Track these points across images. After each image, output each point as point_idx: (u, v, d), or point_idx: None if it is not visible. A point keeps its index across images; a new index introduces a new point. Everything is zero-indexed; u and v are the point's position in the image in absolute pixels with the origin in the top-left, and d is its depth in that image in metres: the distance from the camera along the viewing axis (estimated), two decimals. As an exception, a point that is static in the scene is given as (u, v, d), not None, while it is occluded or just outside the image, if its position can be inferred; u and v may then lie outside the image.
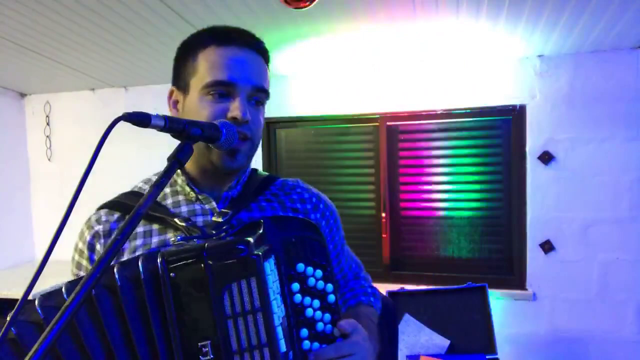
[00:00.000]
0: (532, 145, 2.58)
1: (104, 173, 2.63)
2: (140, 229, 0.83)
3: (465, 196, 2.75)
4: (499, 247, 2.74)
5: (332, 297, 0.77)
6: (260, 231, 0.71)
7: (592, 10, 1.91)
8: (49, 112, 3.35)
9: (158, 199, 0.86)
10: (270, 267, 0.68)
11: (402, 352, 2.22)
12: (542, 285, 2.58)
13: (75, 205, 0.59)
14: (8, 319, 0.57)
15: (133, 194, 0.90)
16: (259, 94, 0.85)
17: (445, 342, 2.26)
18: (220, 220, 0.82)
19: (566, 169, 2.53)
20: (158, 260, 0.66)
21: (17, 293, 2.55)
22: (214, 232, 0.78)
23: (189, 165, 0.88)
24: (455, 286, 2.40)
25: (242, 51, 0.83)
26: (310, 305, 0.74)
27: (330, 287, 0.77)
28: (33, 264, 3.31)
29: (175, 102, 0.88)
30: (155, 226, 0.83)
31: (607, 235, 2.47)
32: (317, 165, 3.01)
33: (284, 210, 0.91)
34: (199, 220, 0.84)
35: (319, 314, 0.75)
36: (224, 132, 0.74)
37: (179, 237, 0.76)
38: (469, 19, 2.02)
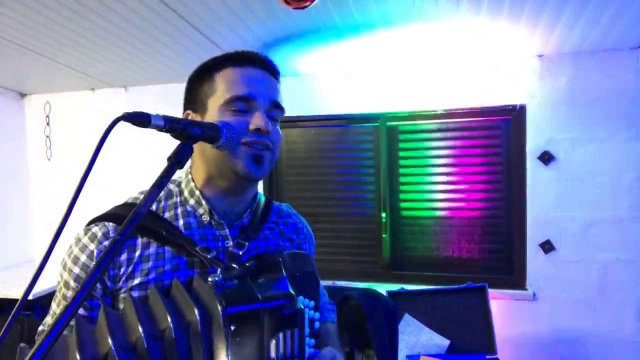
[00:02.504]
0: (532, 145, 2.58)
1: (103, 173, 2.64)
2: (152, 249, 0.82)
3: (465, 196, 2.75)
4: (499, 247, 2.74)
5: (317, 324, 0.85)
6: (283, 274, 0.79)
7: (592, 10, 1.91)
8: (49, 112, 3.35)
9: (169, 217, 0.86)
10: (307, 319, 0.79)
11: (402, 352, 2.22)
12: (542, 285, 2.58)
13: (75, 206, 0.59)
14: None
15: (134, 207, 0.88)
16: (275, 110, 0.88)
17: (445, 342, 2.26)
18: (239, 253, 0.85)
19: (566, 169, 2.53)
20: (219, 309, 0.69)
21: (17, 293, 2.55)
22: (235, 266, 0.80)
23: (205, 187, 0.88)
24: (455, 286, 2.40)
25: (257, 70, 0.88)
26: None
27: (317, 315, 0.85)
28: (32, 264, 3.31)
29: None
30: (168, 248, 0.82)
31: (607, 235, 2.47)
32: (317, 165, 3.01)
33: (283, 240, 0.97)
34: (210, 245, 0.85)
35: (307, 339, 0.81)
36: (224, 132, 0.74)
37: (216, 279, 0.75)
38: (468, 19, 2.02)
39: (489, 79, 2.62)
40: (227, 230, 0.87)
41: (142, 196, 0.88)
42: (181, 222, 0.85)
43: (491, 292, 2.41)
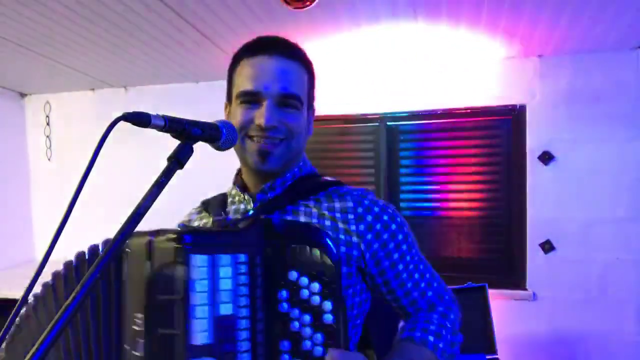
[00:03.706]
0: (532, 145, 2.57)
1: (103, 173, 2.63)
2: (204, 221, 0.95)
3: (465, 196, 2.75)
4: (499, 247, 2.74)
5: (328, 317, 0.68)
6: (241, 226, 0.75)
7: (592, 10, 1.91)
8: (49, 112, 3.35)
9: (230, 198, 0.96)
10: (205, 261, 0.66)
11: (402, 352, 2.21)
12: (542, 285, 2.58)
13: (75, 205, 0.59)
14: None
15: (220, 194, 1.00)
16: (290, 100, 0.85)
17: (445, 342, 2.26)
18: (238, 217, 0.86)
19: (566, 169, 2.53)
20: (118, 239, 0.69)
21: (17, 293, 2.55)
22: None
23: (243, 171, 0.94)
24: (455, 286, 2.40)
25: (270, 59, 0.86)
26: (298, 319, 0.69)
27: (328, 305, 0.68)
28: (33, 264, 3.31)
29: (227, 114, 0.94)
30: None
31: (607, 235, 2.47)
32: (317, 165, 2.95)
33: (321, 218, 0.85)
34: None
35: (308, 331, 0.68)
36: (224, 132, 0.73)
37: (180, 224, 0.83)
38: (469, 19, 2.02)
39: (489, 79, 2.62)
40: (252, 204, 0.90)
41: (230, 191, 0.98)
42: (229, 200, 0.95)
43: (491, 292, 2.41)
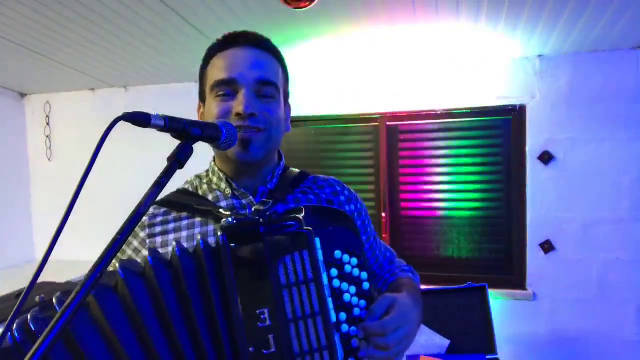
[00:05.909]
0: (532, 145, 2.57)
1: (104, 173, 2.63)
2: (185, 221, 0.88)
3: (465, 196, 2.75)
4: (499, 247, 2.74)
5: (366, 285, 0.79)
6: (303, 214, 0.75)
7: (592, 10, 1.91)
8: (49, 112, 3.35)
9: (201, 194, 0.92)
10: (319, 243, 0.74)
11: (402, 352, 2.21)
12: (542, 285, 2.58)
13: (75, 205, 0.59)
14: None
15: (179, 192, 0.94)
16: (266, 88, 0.85)
17: (445, 342, 2.26)
18: (262, 208, 0.86)
19: (566, 169, 2.53)
20: (218, 234, 0.71)
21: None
22: (258, 217, 0.81)
23: (222, 165, 0.92)
24: (455, 286, 2.40)
25: (243, 49, 0.87)
26: (348, 291, 0.77)
27: (364, 275, 0.80)
28: (33, 264, 3.31)
29: (201, 114, 0.93)
30: (198, 219, 0.87)
31: (607, 235, 2.47)
32: (317, 165, 3.01)
33: (319, 202, 0.93)
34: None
35: (355, 299, 0.78)
36: (224, 132, 0.74)
37: (230, 219, 0.78)
38: (469, 19, 2.02)
39: (489, 79, 2.62)
40: (251, 197, 0.89)
41: (188, 186, 0.95)
42: (210, 197, 0.91)
43: (491, 292, 2.41)
